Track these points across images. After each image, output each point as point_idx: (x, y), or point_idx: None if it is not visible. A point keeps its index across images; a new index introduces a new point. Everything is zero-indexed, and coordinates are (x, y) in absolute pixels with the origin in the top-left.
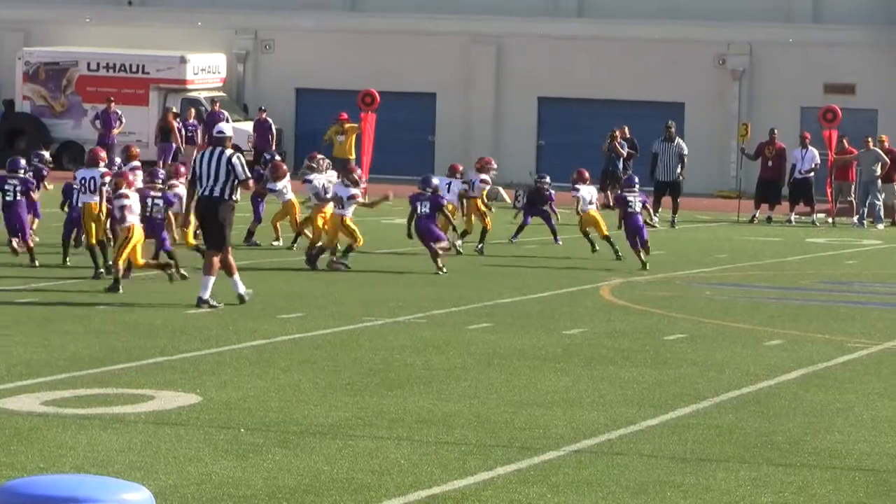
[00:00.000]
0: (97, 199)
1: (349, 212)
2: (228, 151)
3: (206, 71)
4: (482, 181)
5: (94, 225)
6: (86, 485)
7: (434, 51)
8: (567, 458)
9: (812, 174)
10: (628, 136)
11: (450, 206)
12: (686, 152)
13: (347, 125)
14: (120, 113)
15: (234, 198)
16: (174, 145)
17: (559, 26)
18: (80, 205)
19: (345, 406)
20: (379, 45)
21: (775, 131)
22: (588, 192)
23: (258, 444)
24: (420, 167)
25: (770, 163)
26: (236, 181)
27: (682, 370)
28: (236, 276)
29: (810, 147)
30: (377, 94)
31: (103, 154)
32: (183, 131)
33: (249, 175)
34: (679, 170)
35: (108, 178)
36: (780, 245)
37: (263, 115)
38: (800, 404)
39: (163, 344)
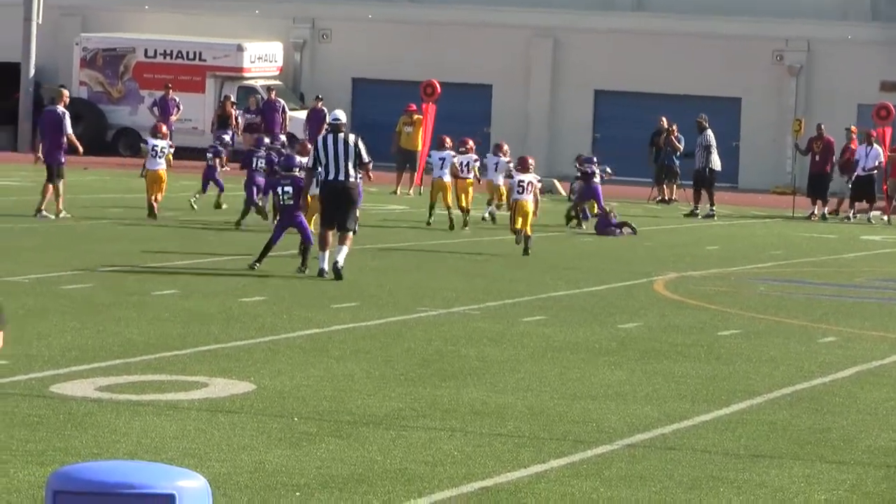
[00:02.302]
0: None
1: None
2: (351, 136)
3: (262, 59)
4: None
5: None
6: (141, 471)
7: (491, 42)
8: (620, 452)
9: (875, 171)
10: (675, 132)
11: (446, 183)
12: (713, 143)
13: (416, 116)
14: (178, 100)
15: (358, 179)
16: (231, 133)
17: (617, 20)
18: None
19: (398, 396)
20: (436, 35)
21: (822, 126)
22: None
23: (311, 432)
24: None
25: (817, 157)
26: (359, 163)
27: (736, 366)
28: (328, 252)
29: (875, 144)
30: (438, 85)
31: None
32: (241, 119)
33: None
34: (706, 161)
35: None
36: (835, 242)
37: (319, 105)
38: (854, 401)
39: (217, 331)
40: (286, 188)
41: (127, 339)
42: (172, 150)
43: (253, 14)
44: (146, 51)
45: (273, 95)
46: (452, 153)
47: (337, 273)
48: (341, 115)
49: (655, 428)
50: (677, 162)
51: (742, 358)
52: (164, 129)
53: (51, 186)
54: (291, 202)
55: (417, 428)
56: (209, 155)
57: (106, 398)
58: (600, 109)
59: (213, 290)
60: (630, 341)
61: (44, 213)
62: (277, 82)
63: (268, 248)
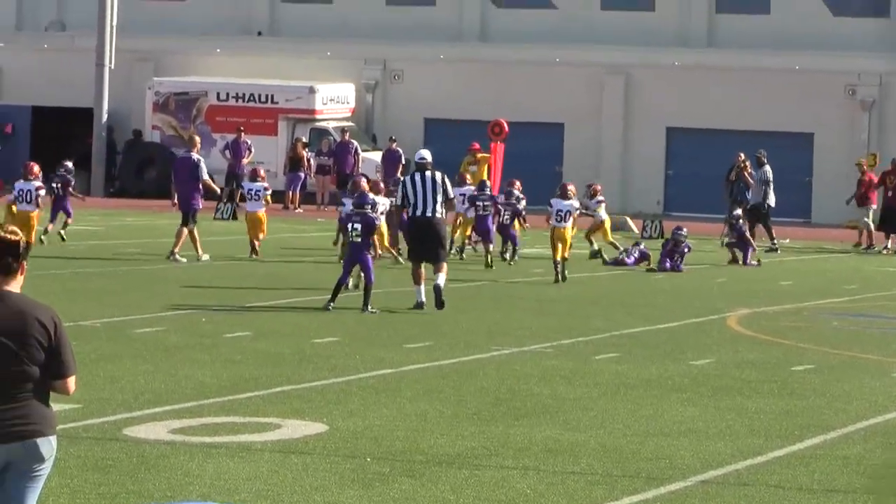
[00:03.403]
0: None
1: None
2: (438, 173)
3: (334, 101)
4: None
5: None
6: None
7: (562, 81)
8: (693, 488)
9: None
10: (748, 168)
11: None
12: (771, 179)
13: (480, 155)
14: (249, 143)
15: (444, 214)
16: (303, 175)
17: (688, 56)
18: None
19: (471, 435)
20: (507, 75)
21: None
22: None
23: (384, 473)
24: (546, 198)
25: (890, 193)
26: (445, 200)
27: (810, 401)
28: (423, 286)
29: None
30: (506, 125)
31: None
32: (313, 161)
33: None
34: (764, 196)
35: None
36: None
37: (393, 146)
38: None
39: (289, 372)
40: (356, 225)
41: (200, 381)
42: (269, 193)
43: (324, 56)
44: (218, 94)
45: (346, 137)
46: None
47: (439, 300)
48: (427, 155)
49: (729, 464)
50: (750, 198)
51: (815, 393)
52: (262, 172)
53: (185, 231)
54: (360, 239)
55: (490, 467)
56: (55, 185)
57: (179, 441)
58: (673, 146)
59: (285, 330)
60: (703, 377)
61: (177, 256)
62: (350, 124)
63: (338, 287)
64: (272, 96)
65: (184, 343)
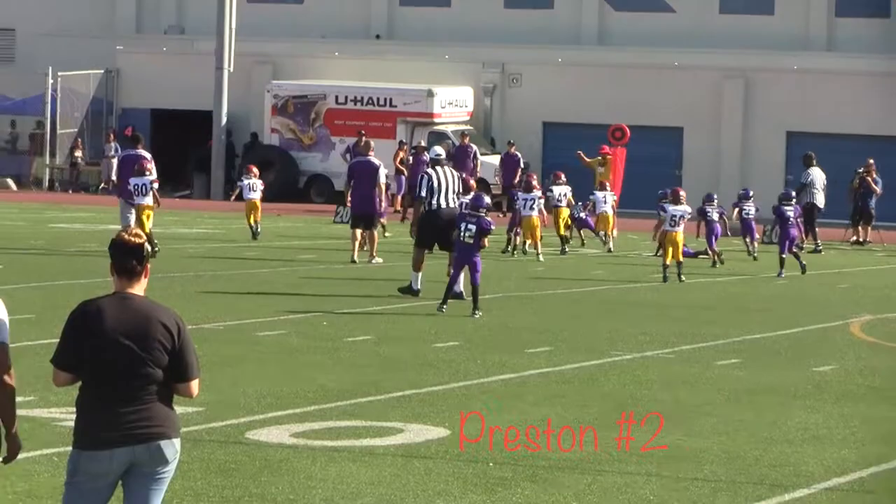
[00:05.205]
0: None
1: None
2: (450, 169)
3: (453, 104)
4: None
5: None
6: None
7: (682, 85)
8: (818, 496)
9: None
10: (873, 174)
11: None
12: (816, 181)
13: (609, 157)
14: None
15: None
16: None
17: (808, 59)
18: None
19: (593, 441)
20: (626, 78)
21: None
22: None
23: (507, 478)
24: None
25: None
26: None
27: None
28: (421, 273)
29: None
30: (627, 129)
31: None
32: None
33: None
34: (811, 197)
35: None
36: None
37: (512, 149)
38: None
39: (412, 377)
40: (470, 226)
41: (321, 385)
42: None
43: (443, 59)
44: (337, 97)
45: (466, 140)
46: (539, 193)
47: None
48: (441, 151)
49: (853, 471)
50: (873, 204)
51: None
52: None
53: (358, 232)
54: (472, 241)
55: (613, 472)
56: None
57: (301, 444)
58: (793, 150)
59: (406, 335)
60: (826, 384)
61: (377, 259)
62: (469, 127)
63: (449, 288)
64: (390, 100)
65: (305, 346)
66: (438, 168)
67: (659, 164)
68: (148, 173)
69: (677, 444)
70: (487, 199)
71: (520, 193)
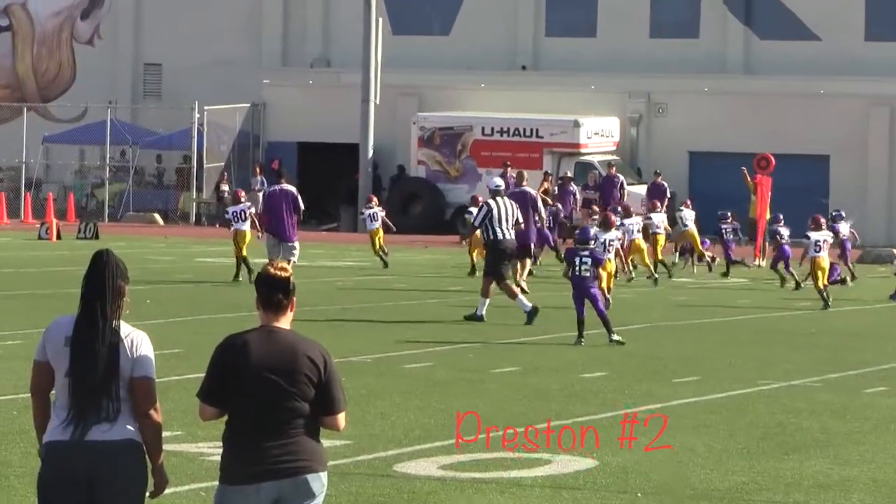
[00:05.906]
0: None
1: None
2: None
3: (599, 135)
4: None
5: None
6: None
7: (827, 112)
8: None
9: None
10: None
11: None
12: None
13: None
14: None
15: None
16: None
17: None
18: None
19: (740, 470)
20: (772, 107)
21: None
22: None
23: None
24: None
25: None
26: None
27: None
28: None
29: None
30: (772, 158)
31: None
32: (579, 195)
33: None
34: None
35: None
36: None
37: (659, 179)
38: None
39: (558, 408)
40: (584, 259)
41: (469, 417)
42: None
43: (588, 89)
44: (483, 128)
45: (613, 171)
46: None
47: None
48: (501, 182)
49: None
50: None
51: None
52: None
53: (528, 262)
54: (588, 274)
55: (761, 501)
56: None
57: (449, 477)
58: None
59: (553, 365)
60: None
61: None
62: (616, 157)
63: (581, 322)
64: (537, 130)
65: (452, 378)
66: (499, 199)
67: (806, 192)
68: (244, 200)
69: (825, 472)
70: (593, 230)
71: (625, 221)
